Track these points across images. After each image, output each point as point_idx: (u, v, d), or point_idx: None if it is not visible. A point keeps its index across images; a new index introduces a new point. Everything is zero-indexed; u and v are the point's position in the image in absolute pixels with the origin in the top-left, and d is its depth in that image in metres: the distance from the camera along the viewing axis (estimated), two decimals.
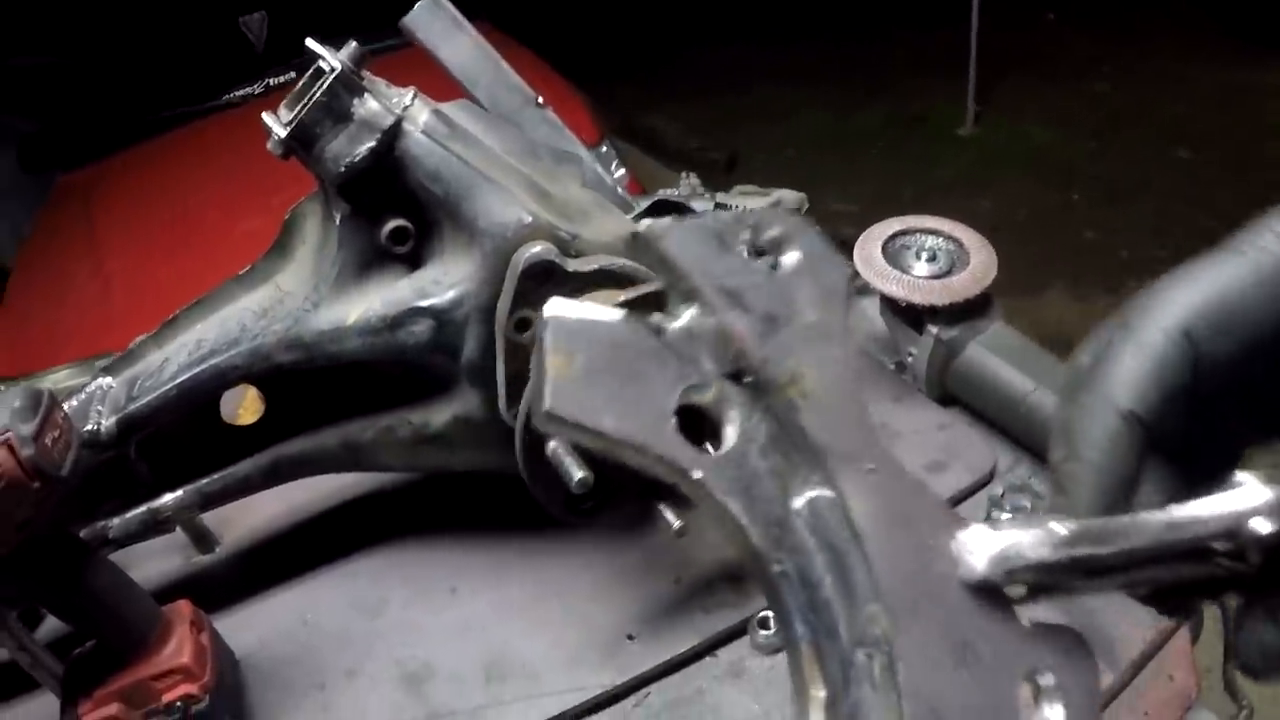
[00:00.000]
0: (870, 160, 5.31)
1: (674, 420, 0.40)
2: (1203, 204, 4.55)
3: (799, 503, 0.41)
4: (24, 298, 3.17)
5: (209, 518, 0.99)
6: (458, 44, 1.01)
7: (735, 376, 0.42)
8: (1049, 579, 0.39)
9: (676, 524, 0.74)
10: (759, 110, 5.89)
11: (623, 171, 3.15)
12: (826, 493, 0.41)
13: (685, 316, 0.43)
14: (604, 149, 3.24)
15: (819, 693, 0.40)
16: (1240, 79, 5.53)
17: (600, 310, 0.41)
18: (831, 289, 0.45)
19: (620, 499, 0.77)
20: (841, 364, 0.44)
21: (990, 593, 0.40)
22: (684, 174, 1.21)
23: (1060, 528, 0.39)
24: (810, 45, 6.65)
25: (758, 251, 0.45)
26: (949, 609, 0.40)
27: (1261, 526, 0.33)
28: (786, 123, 5.71)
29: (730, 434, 0.42)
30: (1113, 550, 0.37)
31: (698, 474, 0.40)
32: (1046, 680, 0.40)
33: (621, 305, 0.70)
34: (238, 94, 3.67)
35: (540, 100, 1.01)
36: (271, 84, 3.60)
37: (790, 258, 0.45)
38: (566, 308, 0.40)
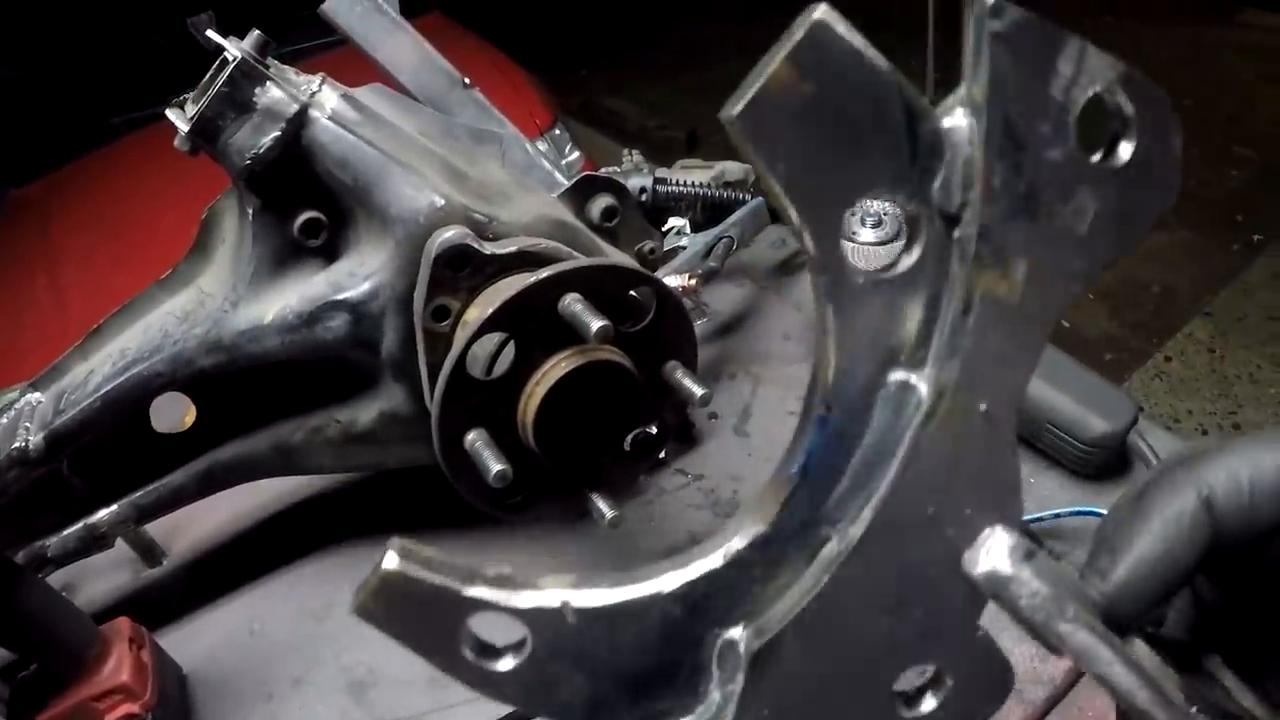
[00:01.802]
0: None
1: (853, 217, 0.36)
2: None
3: (896, 375, 0.38)
4: None
5: (157, 530, 0.97)
6: (378, 29, 0.98)
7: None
8: (1035, 616, 0.38)
9: (609, 514, 0.72)
10: (720, 87, 5.70)
11: (578, 154, 3.12)
12: (921, 387, 0.37)
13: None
14: (558, 132, 3.21)
15: (757, 527, 0.39)
16: (1197, 35, 5.55)
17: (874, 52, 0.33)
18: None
19: (552, 491, 0.74)
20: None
21: (973, 594, 0.40)
22: (627, 151, 1.19)
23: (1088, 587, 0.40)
24: (768, 21, 6.56)
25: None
26: (926, 569, 0.39)
27: None
28: None
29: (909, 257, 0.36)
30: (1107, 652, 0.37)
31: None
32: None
33: None
34: (187, 97, 3.61)
35: (468, 81, 0.98)
36: None
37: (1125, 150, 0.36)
38: (841, 23, 0.31)
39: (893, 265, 0.35)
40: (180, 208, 2.94)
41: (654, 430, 0.76)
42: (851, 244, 0.97)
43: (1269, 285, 3.80)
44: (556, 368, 0.67)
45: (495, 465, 0.63)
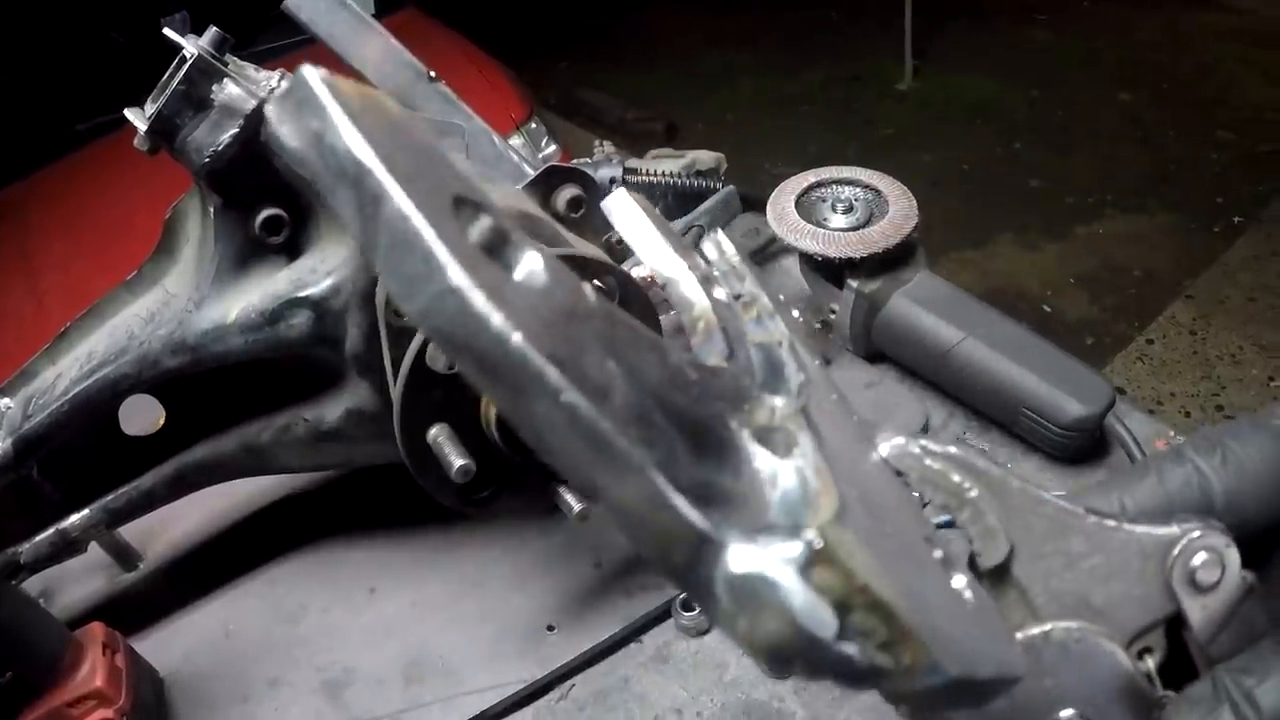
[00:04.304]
0: (810, 121, 5.28)
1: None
2: (1146, 146, 4.60)
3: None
4: None
5: (132, 534, 0.96)
6: (342, 24, 0.98)
7: None
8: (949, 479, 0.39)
9: (577, 508, 0.71)
10: (697, 78, 5.84)
11: (554, 148, 3.10)
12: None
13: None
14: (534, 125, 3.19)
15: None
16: (1179, 18, 5.58)
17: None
18: None
19: (519, 485, 0.74)
20: None
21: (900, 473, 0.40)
22: (598, 142, 1.18)
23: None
24: (746, 11, 6.61)
25: None
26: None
27: None
28: (725, 89, 5.67)
29: None
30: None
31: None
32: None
33: None
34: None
35: (433, 75, 0.98)
36: None
37: None
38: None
39: None
40: (155, 210, 2.93)
41: None
42: (823, 231, 0.97)
43: (1250, 267, 3.83)
44: None
45: (458, 460, 0.63)
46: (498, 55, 3.57)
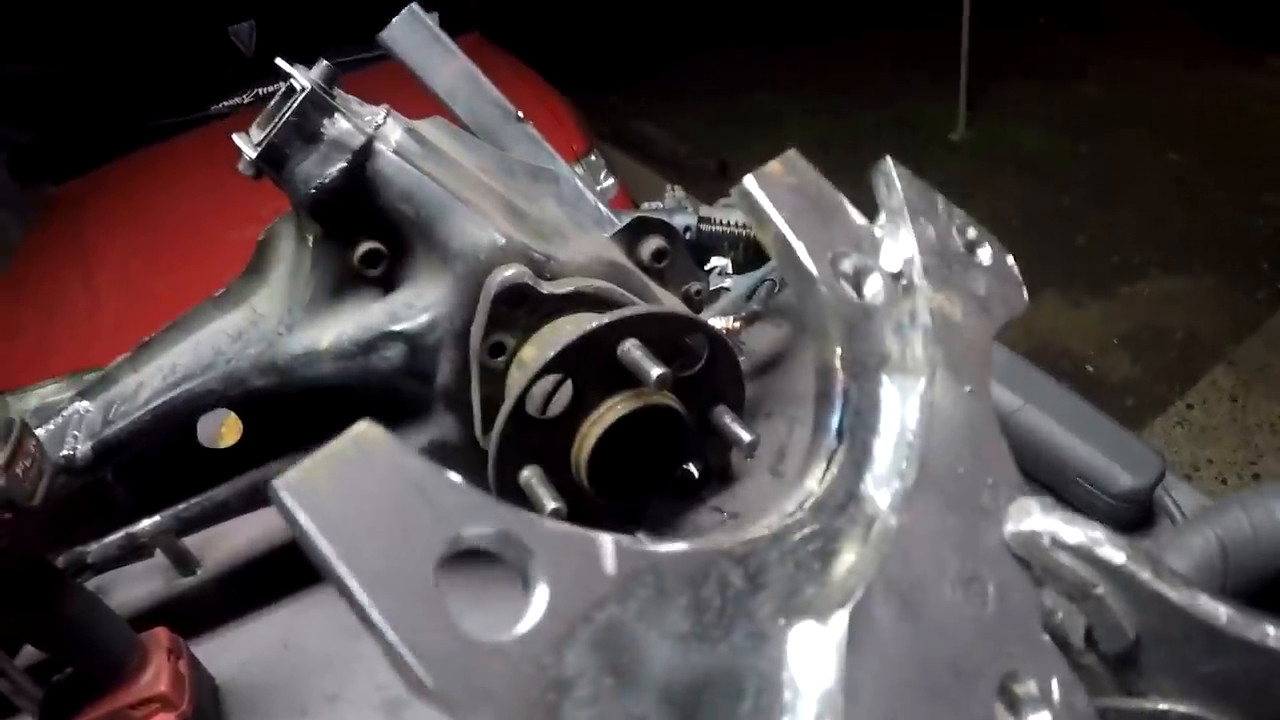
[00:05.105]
0: (862, 165, 5.21)
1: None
2: (1193, 206, 4.56)
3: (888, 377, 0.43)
4: (13, 310, 3.14)
5: (190, 540, 0.98)
6: (436, 58, 1.00)
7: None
8: (1075, 571, 0.40)
9: None
10: (750, 117, 5.86)
11: (612, 181, 3.13)
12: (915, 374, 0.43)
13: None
14: (593, 158, 3.23)
15: (807, 488, 0.40)
16: (1228, 79, 5.54)
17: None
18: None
19: (594, 527, 0.75)
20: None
21: (1022, 561, 0.41)
22: (670, 187, 1.20)
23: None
24: (801, 51, 6.64)
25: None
26: (974, 533, 0.40)
27: None
28: (778, 129, 5.68)
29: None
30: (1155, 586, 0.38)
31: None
32: (1028, 689, 0.38)
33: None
34: (227, 104, 3.65)
35: (521, 115, 1.00)
36: (261, 94, 3.57)
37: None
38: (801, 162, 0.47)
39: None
40: (215, 215, 3.01)
41: (696, 470, 0.77)
42: None
43: None
44: (613, 410, 0.68)
45: (550, 503, 0.65)
46: (553, 84, 3.61)
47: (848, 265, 0.43)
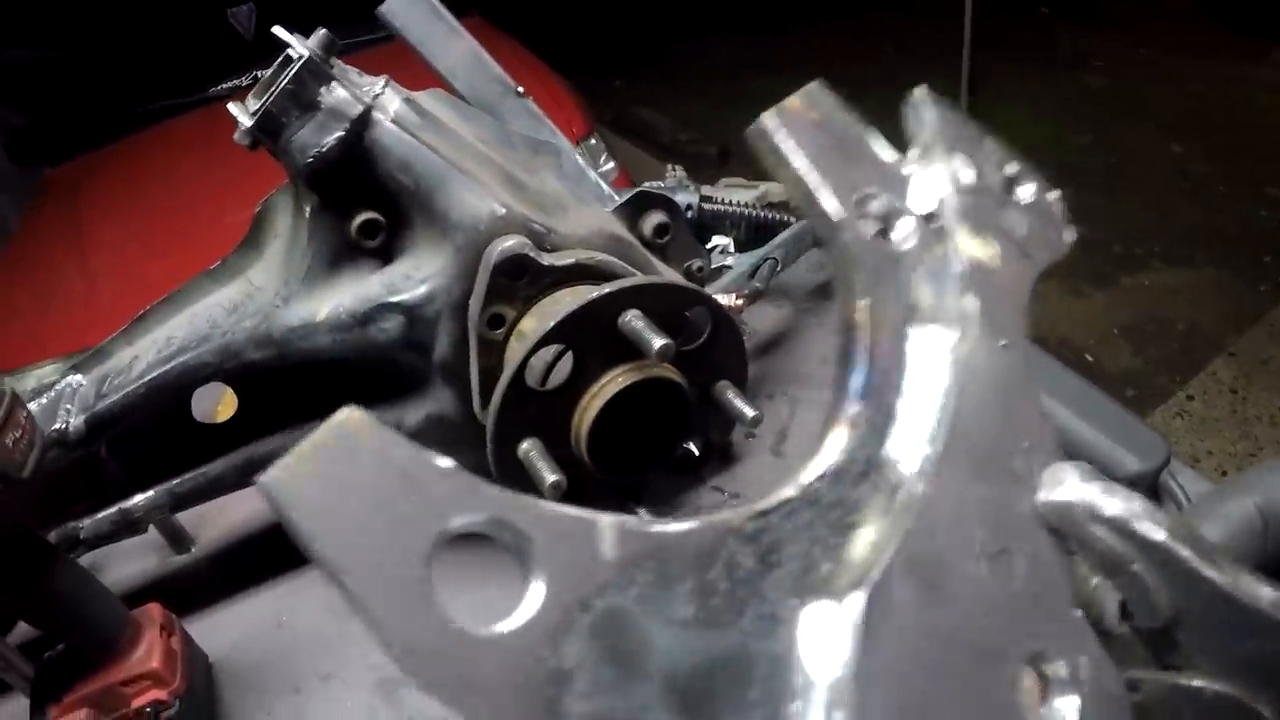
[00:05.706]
0: None
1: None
2: (1196, 198, 4.55)
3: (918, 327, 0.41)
4: (9, 292, 3.13)
5: (184, 517, 0.97)
6: (436, 33, 0.99)
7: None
8: (1111, 546, 0.38)
9: None
10: (751, 102, 5.72)
11: (612, 164, 3.11)
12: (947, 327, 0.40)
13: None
14: (593, 141, 3.21)
15: (828, 457, 0.37)
16: (1232, 71, 5.52)
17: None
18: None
19: (593, 503, 0.74)
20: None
21: (1055, 531, 0.39)
22: (670, 167, 1.19)
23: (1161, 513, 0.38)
24: (802, 37, 6.62)
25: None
26: (1006, 504, 0.38)
27: None
28: None
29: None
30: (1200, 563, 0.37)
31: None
32: (1057, 670, 0.37)
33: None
34: (225, 87, 3.62)
35: (521, 90, 0.99)
36: (259, 76, 3.53)
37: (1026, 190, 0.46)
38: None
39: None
40: (212, 198, 2.99)
41: (696, 448, 0.76)
42: None
43: None
44: (614, 382, 0.67)
45: (550, 476, 0.64)
46: (554, 68, 3.59)
47: (875, 207, 0.40)
